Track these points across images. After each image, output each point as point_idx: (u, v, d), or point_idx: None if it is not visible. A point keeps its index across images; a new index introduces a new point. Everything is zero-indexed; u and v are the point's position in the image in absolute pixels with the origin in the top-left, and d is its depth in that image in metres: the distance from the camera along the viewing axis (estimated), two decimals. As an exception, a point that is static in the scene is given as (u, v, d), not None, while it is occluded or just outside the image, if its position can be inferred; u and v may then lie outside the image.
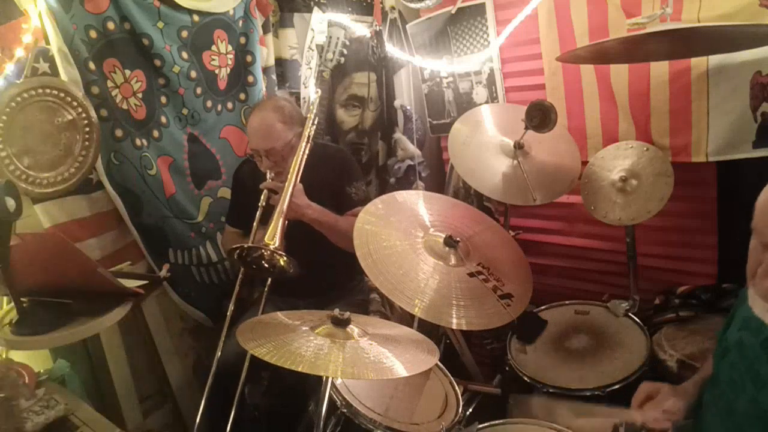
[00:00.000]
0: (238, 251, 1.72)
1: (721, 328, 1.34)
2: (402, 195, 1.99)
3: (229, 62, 2.36)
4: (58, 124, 1.79)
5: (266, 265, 1.76)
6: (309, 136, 1.98)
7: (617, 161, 1.98)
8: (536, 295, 1.89)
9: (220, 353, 1.91)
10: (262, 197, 1.91)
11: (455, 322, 1.63)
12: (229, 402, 1.86)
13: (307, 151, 1.94)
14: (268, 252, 1.70)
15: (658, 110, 2.00)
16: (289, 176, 1.85)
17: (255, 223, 1.90)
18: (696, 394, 1.35)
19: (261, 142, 1.97)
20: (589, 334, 1.96)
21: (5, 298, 1.70)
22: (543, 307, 2.14)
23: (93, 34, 1.89)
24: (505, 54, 2.41)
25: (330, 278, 2.12)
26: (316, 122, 2.04)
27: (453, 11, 2.43)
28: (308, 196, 1.92)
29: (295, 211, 1.86)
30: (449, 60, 2.55)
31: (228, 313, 1.94)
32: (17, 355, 1.69)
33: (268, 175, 1.96)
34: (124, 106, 2.02)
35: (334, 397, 1.51)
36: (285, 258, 1.69)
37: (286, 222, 1.81)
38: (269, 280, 1.95)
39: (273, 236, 1.69)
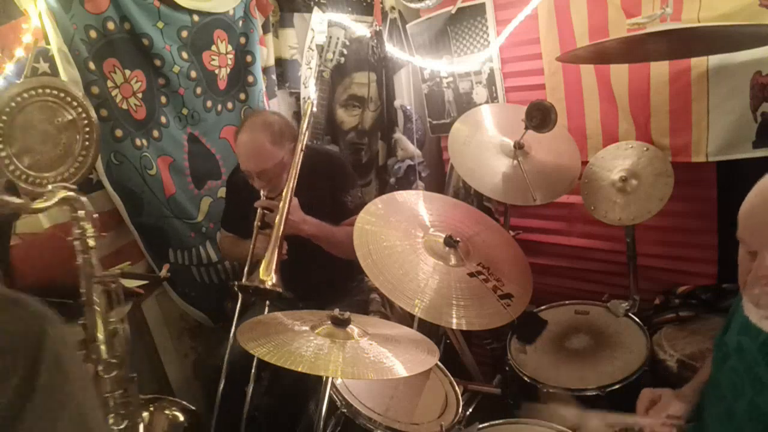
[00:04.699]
0: (236, 286, 1.76)
1: (719, 332, 1.34)
2: (402, 195, 1.99)
3: (229, 62, 2.37)
4: (58, 124, 1.79)
5: (263, 294, 1.77)
6: (302, 149, 1.95)
7: (617, 161, 1.98)
8: (536, 295, 1.89)
9: (227, 355, 1.91)
10: (257, 216, 1.90)
11: (455, 322, 1.63)
12: (232, 402, 1.86)
13: (299, 164, 1.92)
14: (264, 287, 1.71)
15: (658, 110, 2.00)
16: (282, 201, 1.83)
17: (253, 238, 1.91)
18: (696, 398, 1.36)
19: (252, 164, 1.93)
20: (589, 334, 1.95)
21: (5, 298, 1.70)
22: (543, 307, 2.13)
23: (93, 34, 1.89)
24: (505, 54, 2.41)
25: (330, 280, 2.12)
26: (307, 136, 2.00)
27: (453, 11, 2.42)
28: (303, 205, 1.91)
29: (292, 227, 1.86)
30: (449, 60, 2.55)
31: (235, 314, 1.94)
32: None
33: (261, 193, 1.94)
34: (124, 106, 2.03)
35: (334, 397, 1.51)
36: (281, 290, 1.71)
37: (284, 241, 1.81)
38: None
39: (269, 272, 1.70)
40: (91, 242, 1.34)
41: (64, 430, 0.59)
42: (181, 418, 1.70)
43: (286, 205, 1.82)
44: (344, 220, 2.02)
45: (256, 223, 1.91)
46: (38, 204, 1.22)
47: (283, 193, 1.85)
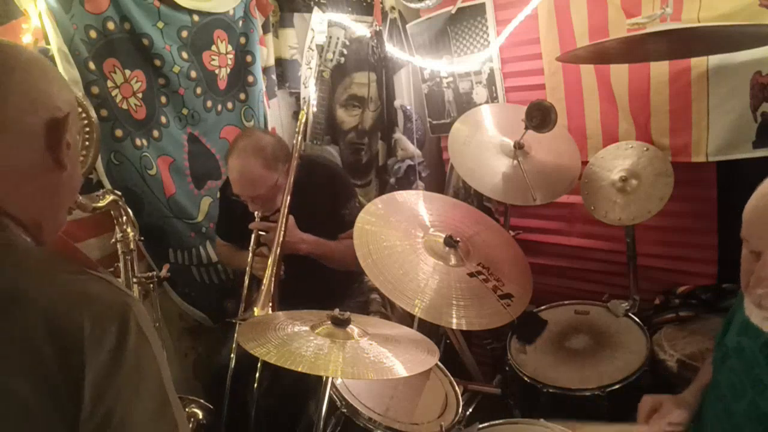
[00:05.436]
0: (238, 323, 1.76)
1: (720, 332, 1.34)
2: (402, 195, 1.99)
3: (229, 62, 2.36)
4: (58, 124, 1.79)
5: None
6: (296, 165, 1.93)
7: (617, 161, 1.98)
8: (536, 295, 1.89)
9: (229, 354, 1.91)
10: (252, 239, 1.89)
11: (455, 322, 1.63)
12: (233, 402, 1.86)
13: (293, 183, 1.91)
14: None
15: (658, 110, 2.00)
16: (278, 225, 1.82)
17: (249, 259, 1.91)
18: (697, 402, 1.36)
19: (245, 190, 1.91)
20: (589, 334, 1.95)
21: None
22: (543, 307, 2.13)
23: (93, 34, 1.89)
24: (505, 54, 2.41)
25: (330, 290, 2.11)
26: (303, 148, 1.99)
27: (453, 11, 2.42)
28: (300, 219, 1.90)
29: (289, 247, 1.85)
30: (449, 60, 2.55)
31: (239, 314, 1.94)
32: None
33: (255, 214, 1.92)
34: (124, 106, 2.02)
35: (334, 397, 1.51)
36: None
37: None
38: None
39: (266, 310, 1.69)
40: (132, 245, 1.48)
41: (146, 386, 0.71)
42: (200, 414, 1.72)
43: (282, 231, 1.80)
44: (342, 232, 2.01)
45: (252, 246, 1.90)
46: (96, 204, 1.39)
47: (280, 214, 1.83)
